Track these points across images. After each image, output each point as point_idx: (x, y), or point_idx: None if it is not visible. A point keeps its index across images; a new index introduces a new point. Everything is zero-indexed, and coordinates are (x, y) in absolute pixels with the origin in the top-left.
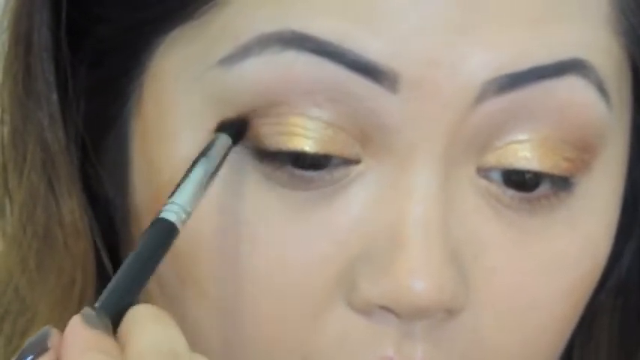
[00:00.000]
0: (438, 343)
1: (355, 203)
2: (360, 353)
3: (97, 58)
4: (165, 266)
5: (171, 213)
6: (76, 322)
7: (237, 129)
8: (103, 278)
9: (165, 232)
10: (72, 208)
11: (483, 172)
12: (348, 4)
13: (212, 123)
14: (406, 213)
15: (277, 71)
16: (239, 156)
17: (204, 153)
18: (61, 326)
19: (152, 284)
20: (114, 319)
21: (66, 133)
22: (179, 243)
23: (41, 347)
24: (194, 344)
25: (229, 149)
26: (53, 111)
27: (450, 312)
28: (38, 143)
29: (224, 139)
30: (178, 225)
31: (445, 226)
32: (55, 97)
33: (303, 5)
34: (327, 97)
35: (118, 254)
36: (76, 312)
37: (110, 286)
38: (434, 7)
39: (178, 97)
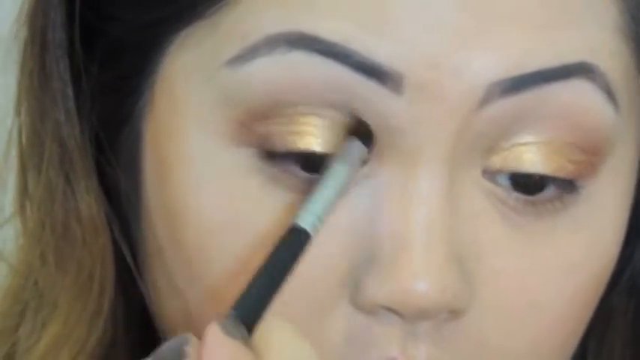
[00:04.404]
0: (442, 344)
1: (359, 205)
2: (365, 353)
3: (110, 57)
4: (175, 264)
5: (306, 221)
6: (215, 332)
7: (367, 135)
8: (121, 273)
9: (299, 240)
10: (90, 203)
11: (489, 174)
12: (355, 6)
13: (222, 123)
14: (410, 215)
15: (285, 72)
16: (244, 157)
17: (339, 159)
18: (81, 321)
19: (161, 282)
20: (247, 326)
21: (82, 130)
22: (190, 244)
23: (180, 354)
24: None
25: (364, 156)
26: (69, 107)
27: (454, 313)
28: (55, 140)
29: (357, 146)
30: (312, 232)
31: (449, 228)
32: (70, 93)
33: (310, 6)
34: (334, 97)
35: (134, 250)
36: (95, 307)
37: (244, 292)
38: (440, 10)
39: (189, 96)
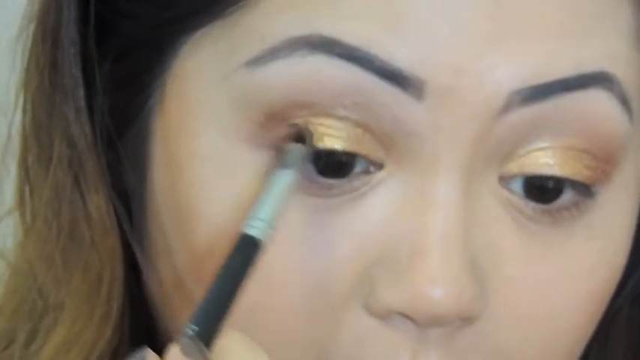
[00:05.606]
0: (453, 351)
1: (376, 209)
2: (375, 358)
3: (122, 54)
4: (185, 266)
5: (256, 229)
6: (176, 355)
7: (306, 138)
8: (129, 274)
9: (252, 250)
10: (99, 203)
11: (505, 181)
12: (377, 10)
13: (238, 124)
14: (427, 220)
15: (305, 74)
16: (260, 159)
17: (282, 164)
18: (89, 324)
19: (169, 283)
20: (205, 341)
21: (92, 128)
22: (200, 244)
23: None
24: None
25: (305, 155)
26: (79, 105)
27: (467, 320)
28: (64, 138)
29: (299, 149)
30: (263, 239)
31: (465, 235)
32: (81, 91)
33: (331, 9)
34: (353, 101)
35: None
36: (104, 310)
37: (200, 307)
38: (462, 16)
39: (202, 96)
